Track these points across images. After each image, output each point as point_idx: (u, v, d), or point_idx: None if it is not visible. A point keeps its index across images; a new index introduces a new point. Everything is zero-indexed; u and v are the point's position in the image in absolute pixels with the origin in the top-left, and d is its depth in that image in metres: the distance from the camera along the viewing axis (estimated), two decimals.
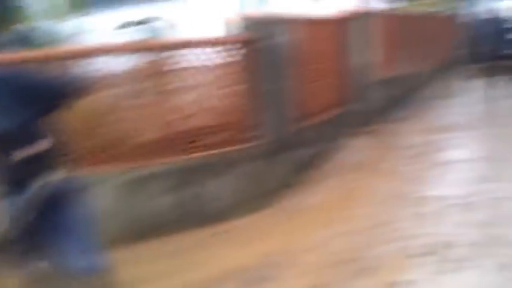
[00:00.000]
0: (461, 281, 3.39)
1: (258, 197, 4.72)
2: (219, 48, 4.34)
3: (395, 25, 9.02)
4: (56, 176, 2.13)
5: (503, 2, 9.11)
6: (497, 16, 8.50)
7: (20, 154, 2.02)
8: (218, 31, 4.68)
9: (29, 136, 2.06)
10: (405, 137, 6.97)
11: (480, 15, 9.29)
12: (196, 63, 4.22)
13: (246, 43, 4.47)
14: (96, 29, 8.26)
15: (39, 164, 2.08)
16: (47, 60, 3.95)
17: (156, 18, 8.71)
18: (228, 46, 4.39)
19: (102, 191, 3.90)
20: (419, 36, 10.75)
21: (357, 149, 6.36)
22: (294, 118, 5.24)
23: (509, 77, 9.11)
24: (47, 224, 2.10)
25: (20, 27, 8.39)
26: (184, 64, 4.22)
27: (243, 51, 4.45)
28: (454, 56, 14.35)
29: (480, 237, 3.88)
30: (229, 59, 4.39)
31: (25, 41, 7.65)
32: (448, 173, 5.47)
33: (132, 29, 8.29)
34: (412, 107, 9.10)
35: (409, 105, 9.14)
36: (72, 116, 2.29)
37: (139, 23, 8.51)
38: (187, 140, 4.30)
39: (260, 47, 4.55)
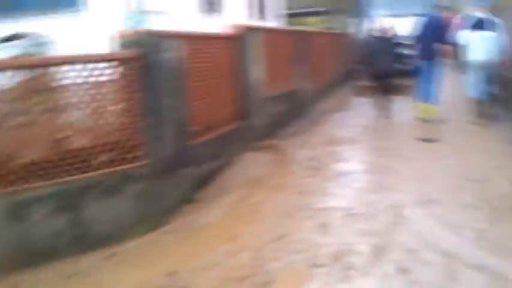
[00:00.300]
0: (365, 287, 3.48)
1: (156, 215, 4.57)
2: (102, 65, 4.14)
3: (288, 42, 9.25)
4: None
5: (393, 19, 9.55)
6: (386, 33, 8.96)
7: None
8: (103, 48, 4.46)
9: None
10: (302, 150, 7.14)
11: (370, 32, 9.80)
12: (77, 81, 3.99)
13: (129, 60, 4.31)
14: None
15: None
16: None
17: (27, 34, 8.17)
18: (111, 63, 4.20)
19: None
20: (313, 53, 11.12)
21: (255, 163, 6.39)
22: (186, 134, 5.12)
23: (397, 93, 9.69)
24: None
25: None
26: (64, 82, 3.97)
27: (126, 68, 4.28)
28: (347, 72, 15.06)
29: (380, 243, 4.03)
30: (113, 76, 4.21)
31: None
32: (345, 183, 5.65)
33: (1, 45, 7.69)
34: (307, 121, 9.34)
35: (304, 120, 9.39)
36: None
37: (8, 39, 7.92)
38: (72, 160, 4.05)
39: (145, 63, 4.42)
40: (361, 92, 10.91)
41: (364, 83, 9.97)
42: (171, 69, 4.83)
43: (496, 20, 8.35)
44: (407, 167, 6.05)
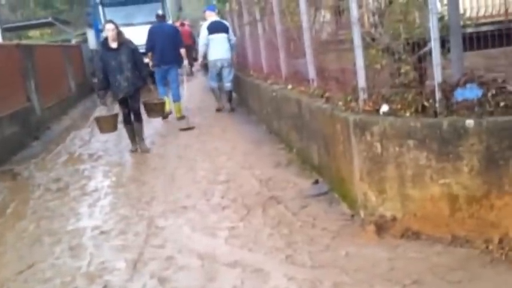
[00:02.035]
0: None
1: None
2: None
3: (12, 57, 8.49)
4: None
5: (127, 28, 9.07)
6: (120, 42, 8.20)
7: None
8: None
9: None
10: (44, 172, 6.70)
11: (101, 44, 8.33)
12: None
13: None
14: None
15: None
16: None
17: None
18: None
19: None
20: (43, 68, 10.44)
21: None
22: None
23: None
24: None
25: None
26: None
27: None
28: (86, 86, 14.51)
29: (137, 257, 3.91)
30: None
31: None
32: (94, 201, 5.41)
33: None
34: (45, 140, 8.79)
35: (41, 140, 8.82)
36: None
37: None
38: None
39: None
40: (103, 104, 8.21)
41: (104, 95, 7.51)
42: None
43: (226, 22, 10.06)
44: (157, 176, 6.09)
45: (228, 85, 9.95)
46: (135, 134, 7.40)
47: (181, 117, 9.34)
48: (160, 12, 9.93)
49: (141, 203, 5.16)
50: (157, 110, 7.91)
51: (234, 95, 10.43)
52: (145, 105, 7.69)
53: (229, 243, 4.03)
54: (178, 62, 9.57)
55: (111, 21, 7.26)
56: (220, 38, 9.61)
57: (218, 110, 10.00)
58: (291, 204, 4.63)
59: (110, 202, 5.36)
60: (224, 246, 3.97)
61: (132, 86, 7.08)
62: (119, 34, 7.06)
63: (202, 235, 4.23)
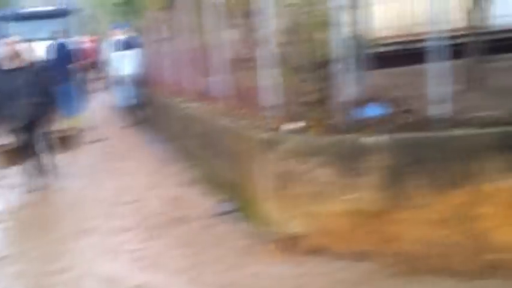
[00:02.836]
0: None
1: None
2: None
3: None
4: None
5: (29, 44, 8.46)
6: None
7: None
8: None
9: None
10: None
11: None
12: None
13: None
14: None
15: None
16: None
17: None
18: None
19: None
20: None
21: None
22: None
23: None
24: None
25: None
26: None
27: None
28: None
29: (34, 283, 3.71)
30: None
31: None
32: None
33: None
34: None
35: None
36: None
37: None
38: None
39: None
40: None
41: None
42: None
43: (137, 39, 10.29)
44: (57, 198, 5.81)
45: (134, 100, 10.21)
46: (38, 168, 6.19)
47: (81, 131, 8.92)
48: (58, 29, 10.03)
49: (41, 227, 4.86)
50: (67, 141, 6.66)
51: (141, 111, 10.51)
52: (54, 136, 6.33)
53: (132, 266, 3.85)
54: (70, 77, 9.39)
55: (7, 37, 6.45)
56: (127, 54, 9.91)
57: (125, 127, 10.09)
58: (196, 223, 4.51)
59: (4, 228, 4.99)
60: (127, 269, 3.80)
61: (35, 113, 5.85)
62: (19, 52, 5.87)
63: (105, 259, 4.03)
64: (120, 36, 10.04)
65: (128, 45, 9.95)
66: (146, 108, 10.58)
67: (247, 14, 4.76)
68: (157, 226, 4.58)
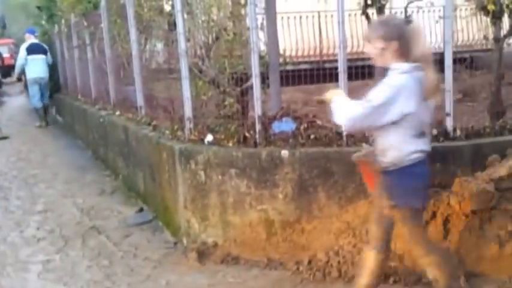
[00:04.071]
0: None
1: None
2: None
3: None
4: None
5: None
6: None
7: None
8: None
9: None
10: None
11: None
12: None
13: None
14: None
15: None
16: None
17: None
18: None
19: None
20: None
21: None
22: None
23: None
24: None
25: None
26: None
27: None
28: None
29: None
30: None
31: None
32: None
33: None
34: None
35: None
36: None
37: None
38: None
39: None
40: None
41: None
42: None
43: (45, 45, 10.62)
44: None
45: (45, 101, 10.51)
46: None
47: None
48: None
49: None
50: None
51: (52, 112, 11.04)
52: None
53: (43, 277, 3.66)
54: None
55: None
56: (38, 58, 10.13)
57: (39, 126, 10.33)
58: (113, 233, 4.37)
59: None
60: (37, 282, 3.60)
61: None
62: None
63: (13, 270, 3.78)
64: (32, 40, 10.31)
65: (40, 49, 10.27)
66: (58, 111, 11.07)
67: (169, 26, 4.72)
68: (71, 236, 4.38)
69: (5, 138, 9.07)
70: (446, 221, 3.22)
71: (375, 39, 2.51)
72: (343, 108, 2.51)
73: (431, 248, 2.67)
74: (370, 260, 2.72)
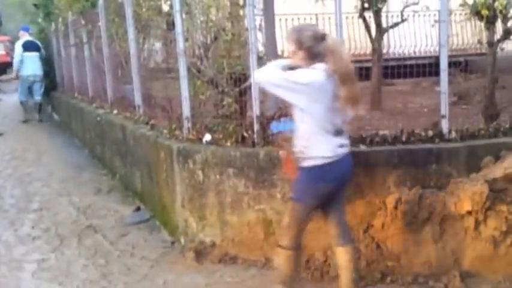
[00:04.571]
0: None
1: None
2: None
3: None
4: None
5: None
6: None
7: None
8: None
9: None
10: None
11: None
12: None
13: None
14: None
15: None
16: None
17: None
18: None
19: None
20: None
21: None
22: None
23: None
24: None
25: None
26: None
27: None
28: None
29: None
30: None
31: None
32: None
33: None
34: None
35: None
36: None
37: None
38: None
39: None
40: None
41: None
42: None
43: (39, 42, 10.71)
44: None
45: (38, 98, 10.53)
46: None
47: None
48: None
49: None
50: None
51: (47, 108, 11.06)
52: None
53: (37, 277, 3.61)
54: None
55: None
56: (32, 56, 10.19)
57: (25, 121, 10.38)
58: (109, 232, 4.33)
59: None
60: (32, 281, 3.55)
61: None
62: None
63: (8, 269, 3.73)
64: (26, 38, 10.39)
65: (34, 46, 10.33)
66: (55, 109, 11.17)
67: (168, 26, 4.68)
68: (67, 235, 4.34)
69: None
70: (442, 222, 3.24)
71: (290, 42, 2.73)
72: (268, 68, 2.76)
73: (292, 245, 2.81)
74: (282, 256, 2.86)
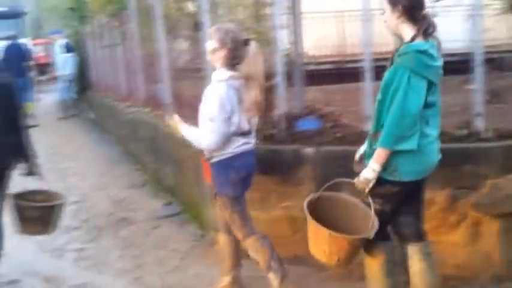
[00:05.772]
0: None
1: None
2: None
3: None
4: None
5: None
6: None
7: None
8: None
9: None
10: None
11: None
12: None
13: None
14: None
15: None
16: None
17: None
18: None
19: None
20: None
21: None
22: None
23: None
24: None
25: None
26: None
27: None
28: None
29: None
30: None
31: None
32: None
33: None
34: None
35: None
36: None
37: None
38: None
39: None
40: None
41: None
42: None
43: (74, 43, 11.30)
44: None
45: (73, 96, 11.43)
46: None
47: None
48: (12, 32, 10.70)
49: None
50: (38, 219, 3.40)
51: (89, 112, 11.22)
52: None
53: (77, 265, 3.72)
54: (24, 74, 9.98)
55: None
56: (69, 56, 10.84)
57: (63, 118, 10.78)
58: (143, 225, 4.40)
59: None
60: (72, 268, 3.67)
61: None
62: None
63: (50, 257, 3.87)
64: (62, 40, 10.98)
65: (68, 48, 10.90)
66: (89, 107, 11.53)
67: (195, 26, 4.69)
68: (104, 226, 4.45)
69: (35, 126, 9.41)
70: (476, 224, 3.10)
71: (212, 40, 2.73)
72: (198, 135, 2.80)
73: (249, 232, 2.90)
74: (224, 243, 3.03)
